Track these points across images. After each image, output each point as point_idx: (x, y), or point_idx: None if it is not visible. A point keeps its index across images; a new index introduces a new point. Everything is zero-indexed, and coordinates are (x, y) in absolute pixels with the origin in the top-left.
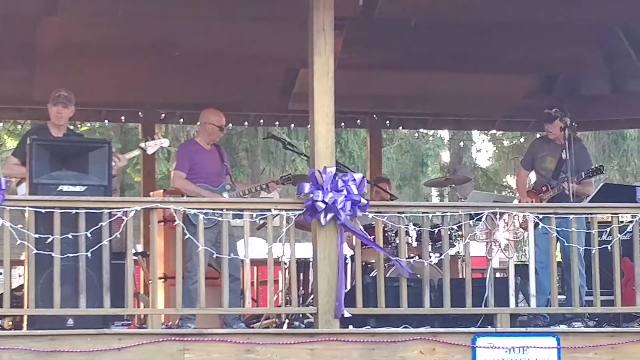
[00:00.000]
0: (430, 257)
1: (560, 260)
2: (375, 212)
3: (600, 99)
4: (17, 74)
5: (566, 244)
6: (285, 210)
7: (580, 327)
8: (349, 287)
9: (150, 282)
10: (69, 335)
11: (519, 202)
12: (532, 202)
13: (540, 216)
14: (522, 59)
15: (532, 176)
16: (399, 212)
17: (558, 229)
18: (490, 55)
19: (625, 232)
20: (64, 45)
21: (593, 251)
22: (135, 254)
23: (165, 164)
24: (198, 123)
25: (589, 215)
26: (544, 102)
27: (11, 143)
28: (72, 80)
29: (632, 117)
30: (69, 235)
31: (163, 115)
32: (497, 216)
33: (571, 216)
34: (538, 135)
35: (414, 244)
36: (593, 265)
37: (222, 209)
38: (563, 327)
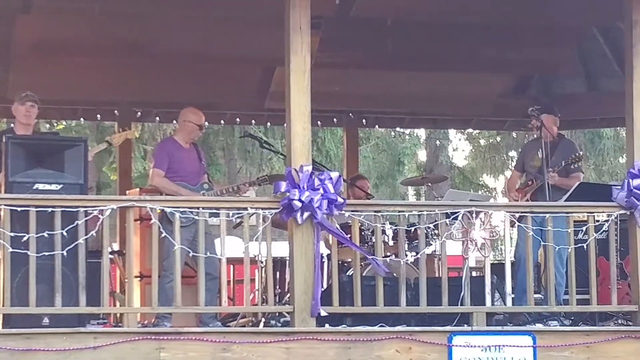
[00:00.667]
0: (406, 255)
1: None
2: (352, 211)
3: (576, 99)
4: None
5: (548, 244)
6: (262, 209)
7: (556, 325)
8: (325, 286)
9: (126, 280)
10: (45, 334)
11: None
12: (519, 197)
13: (517, 215)
14: (498, 59)
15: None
16: (375, 211)
17: (537, 228)
18: (466, 55)
19: (601, 231)
20: (39, 43)
21: (569, 250)
22: (112, 252)
23: (141, 163)
24: (174, 122)
25: (565, 214)
26: (520, 101)
27: None
28: (47, 78)
29: (608, 116)
30: (45, 234)
31: (139, 113)
32: (474, 215)
33: (547, 215)
34: (515, 135)
35: (391, 242)
36: (569, 264)
37: (198, 208)
38: (539, 326)
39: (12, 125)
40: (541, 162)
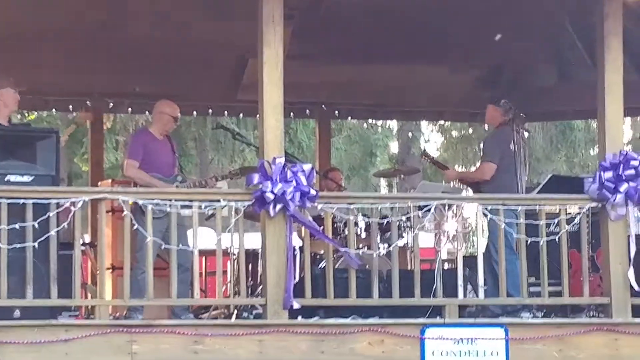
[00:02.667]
0: (379, 248)
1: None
2: (325, 203)
3: (547, 90)
4: None
5: (521, 236)
6: (235, 201)
7: (528, 318)
8: (297, 278)
9: (97, 272)
10: (16, 327)
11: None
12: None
13: (489, 207)
14: (468, 50)
15: None
16: (348, 203)
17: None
18: (437, 47)
19: (573, 223)
20: (5, 32)
21: (541, 242)
22: (83, 244)
23: (113, 154)
24: (147, 113)
25: (538, 206)
26: (491, 92)
27: None
28: (15, 67)
29: (580, 108)
30: (16, 226)
31: (111, 104)
32: (446, 207)
33: (519, 207)
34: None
35: (363, 234)
36: (541, 256)
37: (170, 200)
38: (511, 319)
39: None
40: None
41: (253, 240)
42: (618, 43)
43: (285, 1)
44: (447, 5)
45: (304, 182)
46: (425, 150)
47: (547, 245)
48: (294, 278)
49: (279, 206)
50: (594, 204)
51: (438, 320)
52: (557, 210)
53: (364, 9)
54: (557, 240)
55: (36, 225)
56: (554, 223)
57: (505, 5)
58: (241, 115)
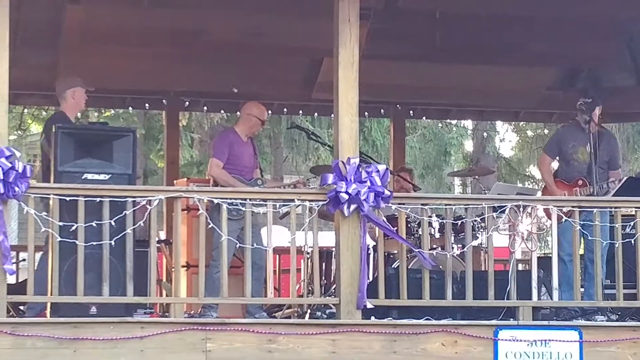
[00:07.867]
0: (453, 248)
1: (583, 253)
2: (399, 204)
3: (624, 91)
4: (41, 60)
5: (589, 237)
6: (309, 200)
7: (602, 320)
8: (371, 278)
9: (173, 269)
10: (92, 323)
11: (544, 189)
12: (564, 194)
13: (565, 209)
14: (546, 52)
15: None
16: (422, 204)
17: (582, 222)
18: (514, 48)
19: None
20: (87, 32)
21: (617, 245)
22: (158, 241)
23: (188, 151)
24: (222, 111)
25: (613, 209)
26: (568, 94)
27: (35, 128)
28: (96, 67)
29: None
30: (93, 224)
31: (187, 102)
32: (521, 209)
33: (595, 210)
34: (560, 126)
35: (437, 235)
36: (616, 259)
37: (245, 199)
38: (585, 321)
39: (60, 110)
40: (589, 157)
41: (327, 239)
42: None
43: (361, 1)
44: (524, 7)
45: (378, 182)
46: None
47: (622, 248)
48: (368, 278)
49: (353, 206)
50: None
51: (511, 322)
52: (634, 213)
53: (440, 11)
54: (632, 242)
55: (113, 223)
56: (629, 225)
57: (583, 7)
58: (316, 114)
